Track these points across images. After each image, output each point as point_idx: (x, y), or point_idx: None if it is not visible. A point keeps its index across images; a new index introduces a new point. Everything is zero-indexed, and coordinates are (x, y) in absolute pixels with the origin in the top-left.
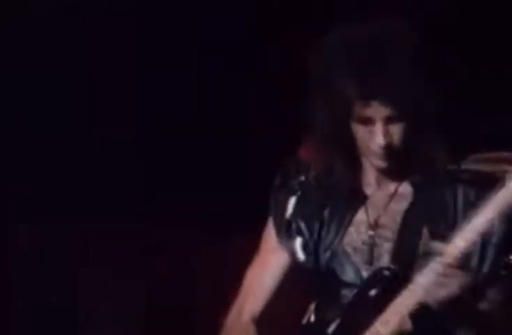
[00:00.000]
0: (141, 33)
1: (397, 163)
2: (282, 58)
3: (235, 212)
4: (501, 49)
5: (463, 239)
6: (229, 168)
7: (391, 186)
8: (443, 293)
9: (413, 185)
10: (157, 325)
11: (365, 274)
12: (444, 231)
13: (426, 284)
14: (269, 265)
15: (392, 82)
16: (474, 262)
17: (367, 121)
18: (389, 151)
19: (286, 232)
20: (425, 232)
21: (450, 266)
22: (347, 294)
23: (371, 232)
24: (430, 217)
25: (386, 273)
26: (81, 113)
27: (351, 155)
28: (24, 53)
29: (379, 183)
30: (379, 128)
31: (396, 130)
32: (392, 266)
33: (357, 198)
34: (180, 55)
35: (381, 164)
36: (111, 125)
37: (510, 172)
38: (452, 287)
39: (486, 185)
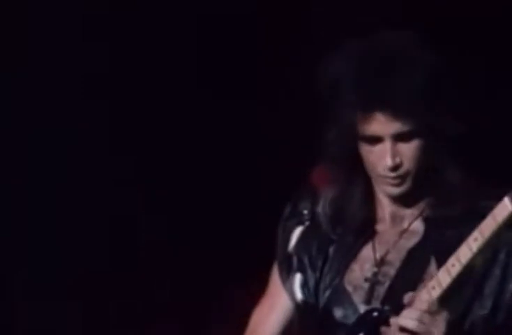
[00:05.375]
0: (141, 35)
1: (411, 191)
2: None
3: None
4: None
5: (451, 266)
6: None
7: (405, 223)
8: None
9: (426, 221)
10: None
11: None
12: None
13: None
14: (276, 308)
15: (399, 93)
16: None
17: (375, 140)
18: (399, 174)
19: (286, 267)
20: (431, 270)
21: (428, 312)
22: None
23: (375, 269)
24: (440, 255)
25: (375, 314)
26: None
27: (366, 186)
28: (23, 54)
29: (393, 219)
30: (387, 146)
31: (407, 150)
32: (382, 307)
33: (365, 233)
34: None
35: (392, 191)
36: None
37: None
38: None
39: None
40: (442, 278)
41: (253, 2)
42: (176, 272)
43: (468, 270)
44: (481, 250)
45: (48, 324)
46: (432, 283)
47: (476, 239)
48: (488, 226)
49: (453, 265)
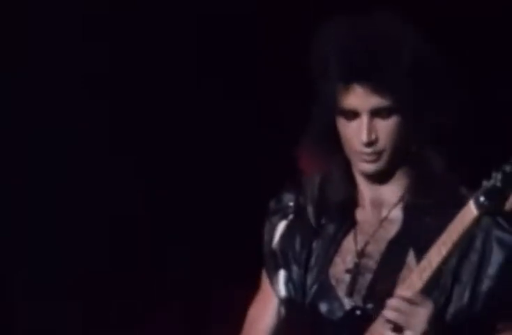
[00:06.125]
0: (141, 35)
1: (387, 170)
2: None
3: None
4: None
5: (422, 270)
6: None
7: (385, 211)
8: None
9: (405, 209)
10: None
11: (348, 309)
12: None
13: (388, 321)
14: (270, 305)
15: (380, 66)
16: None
17: (352, 115)
18: (375, 150)
19: (272, 264)
20: (410, 262)
21: (409, 301)
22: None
23: (356, 260)
24: (418, 246)
25: (358, 312)
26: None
27: (346, 169)
28: (23, 54)
29: (373, 206)
30: (363, 121)
31: (384, 127)
32: (364, 305)
33: (347, 223)
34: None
35: (368, 168)
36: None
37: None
38: (414, 326)
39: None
40: (415, 281)
41: (253, 2)
42: (176, 272)
43: (440, 274)
44: (451, 254)
45: (48, 324)
46: (406, 285)
47: (444, 243)
48: (455, 230)
49: (425, 269)
